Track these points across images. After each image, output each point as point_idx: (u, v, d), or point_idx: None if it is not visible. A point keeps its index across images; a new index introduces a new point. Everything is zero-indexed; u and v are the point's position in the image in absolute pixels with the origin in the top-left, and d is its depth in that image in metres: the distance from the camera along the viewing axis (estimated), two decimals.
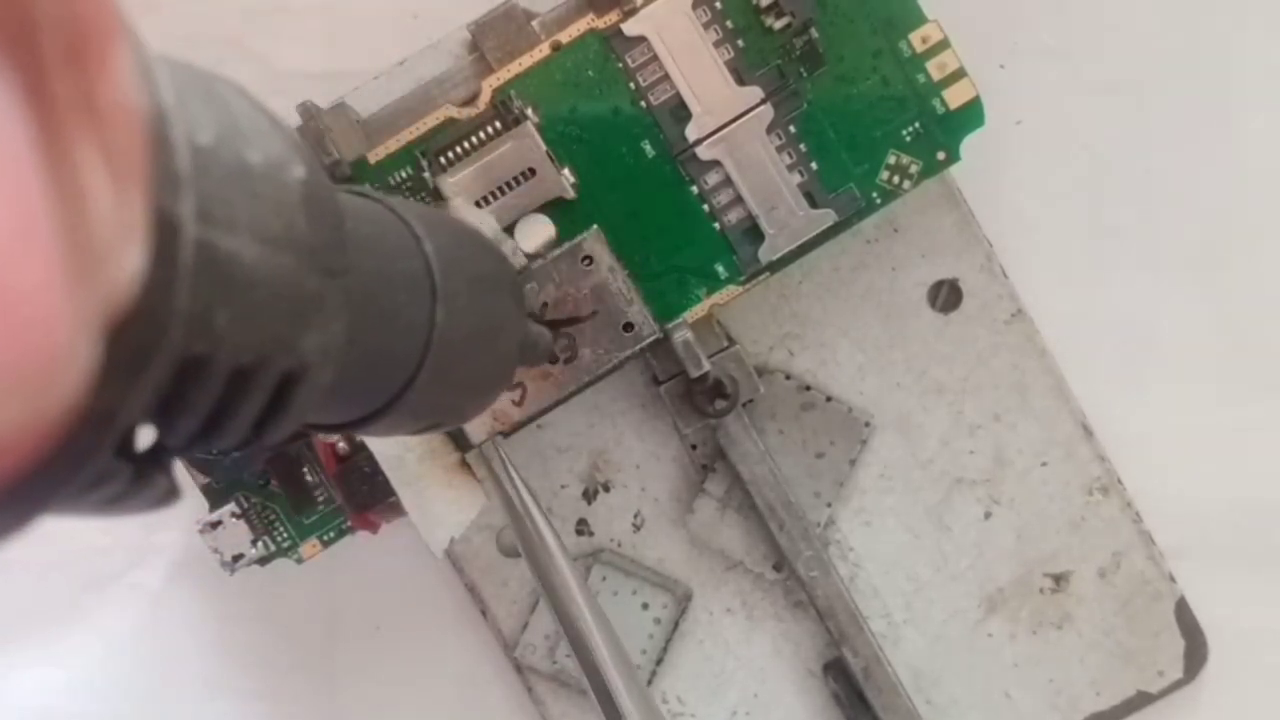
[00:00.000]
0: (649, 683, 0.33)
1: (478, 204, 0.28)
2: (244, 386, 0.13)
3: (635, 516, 0.33)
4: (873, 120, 0.29)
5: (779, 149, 0.29)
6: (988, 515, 0.32)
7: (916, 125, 0.29)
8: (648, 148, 0.29)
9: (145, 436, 0.13)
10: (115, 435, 0.11)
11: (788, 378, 0.32)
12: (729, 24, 0.28)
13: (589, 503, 0.33)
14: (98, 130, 0.09)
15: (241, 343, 0.12)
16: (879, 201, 0.29)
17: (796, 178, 0.29)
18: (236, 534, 0.30)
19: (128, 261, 0.10)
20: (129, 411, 0.11)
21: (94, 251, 0.09)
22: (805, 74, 0.28)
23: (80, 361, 0.09)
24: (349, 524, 0.30)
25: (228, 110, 0.13)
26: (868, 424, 0.32)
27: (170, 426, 0.13)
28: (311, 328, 0.14)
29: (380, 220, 0.18)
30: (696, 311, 0.29)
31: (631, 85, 0.28)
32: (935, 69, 0.28)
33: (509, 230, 0.29)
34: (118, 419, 0.11)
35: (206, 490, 0.30)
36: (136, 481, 0.12)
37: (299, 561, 0.31)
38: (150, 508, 0.13)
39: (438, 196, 0.28)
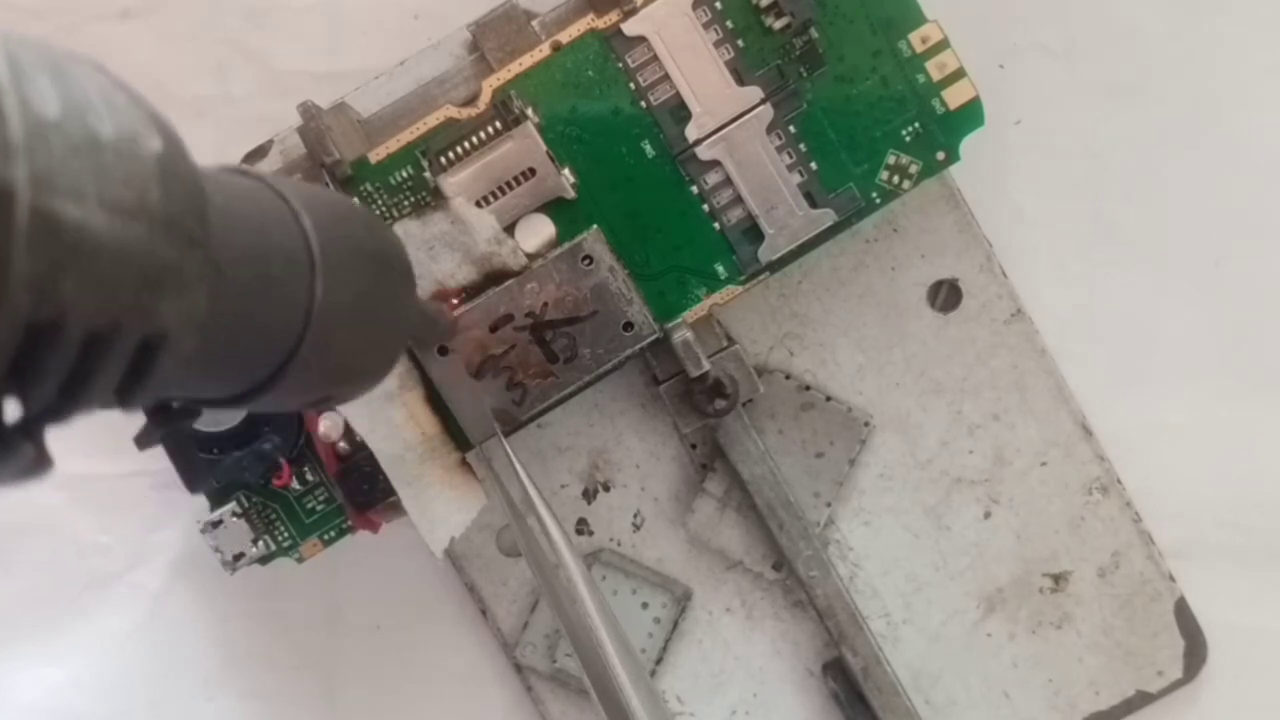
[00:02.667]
0: None
1: (478, 204, 0.28)
2: (99, 352, 0.13)
3: (635, 516, 0.33)
4: (872, 120, 0.29)
5: (779, 149, 0.29)
6: (987, 515, 0.32)
7: (916, 125, 0.29)
8: (648, 148, 0.29)
9: (10, 409, 0.13)
10: None
11: (787, 377, 0.32)
12: (729, 24, 0.28)
13: (589, 502, 0.33)
14: None
15: (92, 309, 0.13)
16: (879, 201, 0.29)
17: (796, 177, 0.29)
18: (237, 533, 0.30)
19: None
20: None
21: None
22: (805, 74, 0.28)
23: None
24: (350, 523, 0.30)
25: (78, 85, 0.13)
26: (867, 424, 0.32)
27: (26, 393, 0.13)
28: (168, 296, 0.14)
29: (255, 195, 0.18)
30: (696, 311, 0.29)
31: (631, 85, 0.28)
32: (935, 69, 0.28)
33: (509, 230, 0.29)
34: None
35: (207, 489, 0.30)
36: (1, 449, 0.13)
37: (299, 561, 0.31)
38: (18, 478, 0.14)
39: (438, 196, 0.28)
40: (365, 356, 0.21)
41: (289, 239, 0.18)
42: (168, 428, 0.18)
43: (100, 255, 0.12)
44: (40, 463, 0.14)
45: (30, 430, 0.13)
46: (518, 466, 0.28)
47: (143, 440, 0.18)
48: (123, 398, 0.14)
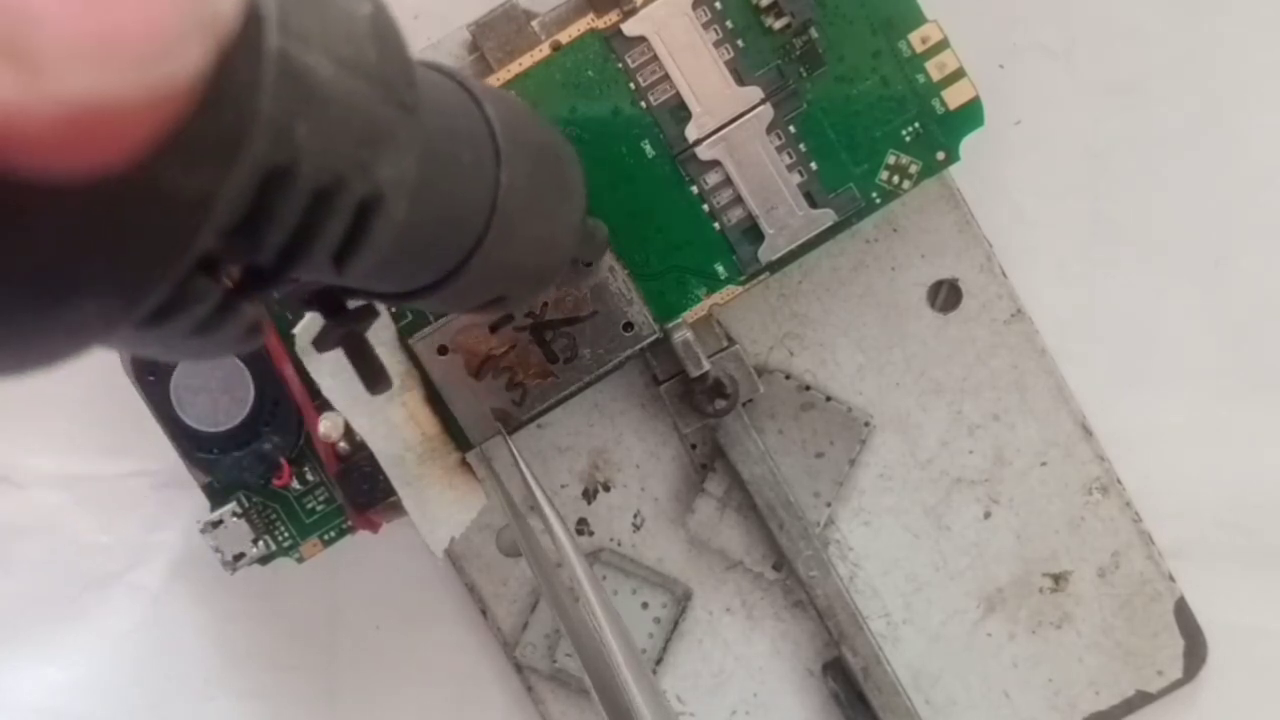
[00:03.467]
0: None
1: None
2: (325, 206, 0.13)
3: (635, 516, 0.33)
4: (872, 120, 0.29)
5: (779, 149, 0.29)
6: (987, 515, 0.32)
7: (916, 125, 0.29)
8: (648, 148, 0.29)
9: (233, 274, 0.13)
10: (212, 222, 0.11)
11: (787, 377, 0.32)
12: (729, 24, 0.28)
13: (589, 502, 0.33)
14: None
15: (321, 159, 0.13)
16: (879, 201, 0.29)
17: (796, 178, 0.29)
18: (237, 533, 0.30)
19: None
20: (223, 199, 0.11)
21: None
22: (805, 74, 0.28)
23: (192, 53, 0.10)
24: (350, 523, 0.30)
25: None
26: (867, 424, 0.32)
27: (258, 242, 0.13)
28: (385, 156, 0.14)
29: (441, 84, 0.18)
30: (696, 311, 0.29)
31: (631, 85, 0.28)
32: (935, 69, 0.28)
33: None
34: (213, 205, 0.11)
35: (207, 490, 0.30)
36: (224, 309, 0.13)
37: (299, 561, 0.31)
38: (238, 343, 0.14)
39: None
40: (542, 253, 0.21)
41: (476, 126, 0.18)
42: (348, 328, 0.18)
43: (329, 104, 0.12)
44: (258, 328, 0.14)
45: (250, 290, 0.13)
46: (522, 465, 0.28)
47: (321, 341, 0.18)
48: (340, 262, 0.14)
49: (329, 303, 0.18)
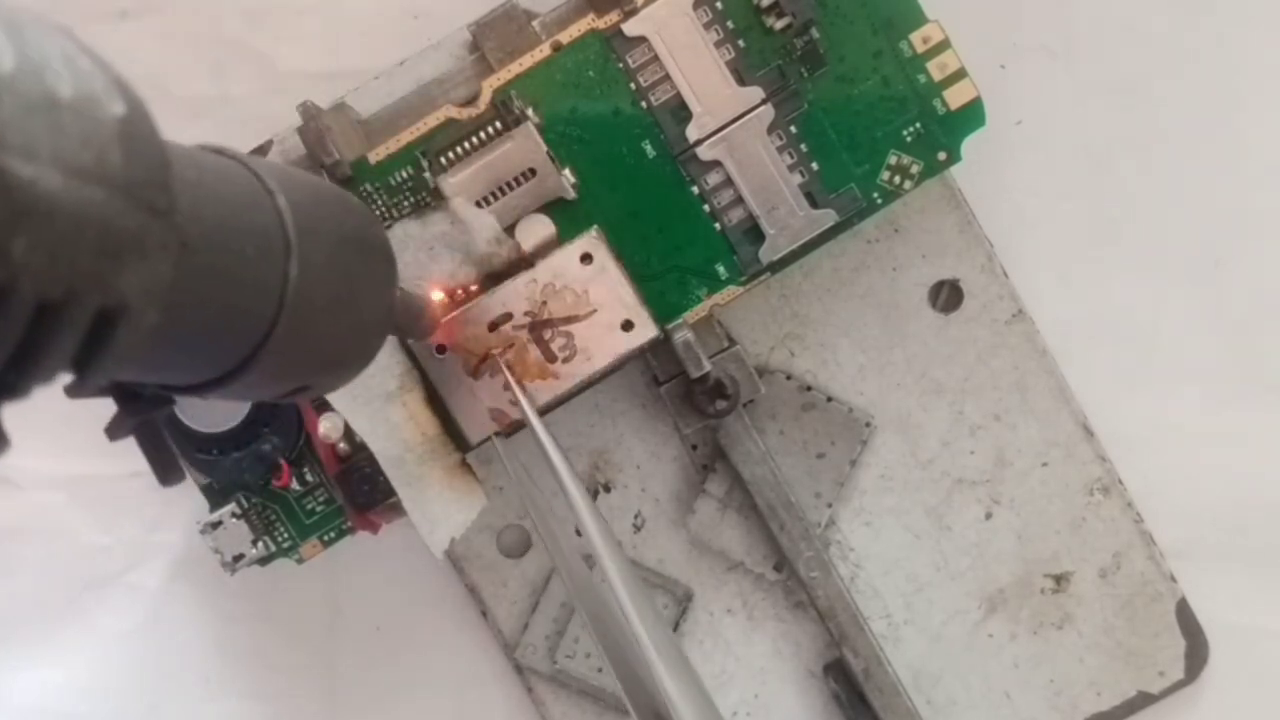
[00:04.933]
0: None
1: (478, 204, 0.28)
2: (53, 321, 0.13)
3: (636, 517, 0.33)
4: (874, 120, 0.29)
5: (780, 149, 0.29)
6: (988, 516, 0.32)
7: (917, 125, 0.29)
8: (648, 148, 0.29)
9: None
10: None
11: (788, 378, 0.32)
12: (730, 24, 0.28)
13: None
14: None
15: (46, 274, 0.12)
16: (880, 202, 0.29)
17: (797, 178, 0.29)
18: (237, 534, 0.30)
19: None
20: None
21: None
22: (806, 74, 0.28)
23: None
24: (349, 524, 0.30)
25: (37, 44, 0.13)
26: (868, 424, 0.32)
27: None
28: (128, 265, 0.13)
29: (229, 174, 0.18)
30: (697, 312, 0.29)
31: (632, 85, 0.28)
32: (936, 69, 0.28)
33: (509, 230, 0.29)
34: None
35: (207, 490, 0.30)
36: None
37: (299, 561, 0.31)
38: None
39: (438, 196, 0.28)
40: (343, 345, 0.20)
41: (263, 217, 0.17)
42: (140, 417, 0.18)
43: (55, 218, 0.12)
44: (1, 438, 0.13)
45: None
46: (553, 454, 0.26)
47: (113, 430, 0.18)
48: (80, 369, 0.14)
49: (121, 392, 0.18)
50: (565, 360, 0.28)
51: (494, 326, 0.28)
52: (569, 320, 0.28)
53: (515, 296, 0.28)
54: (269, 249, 0.17)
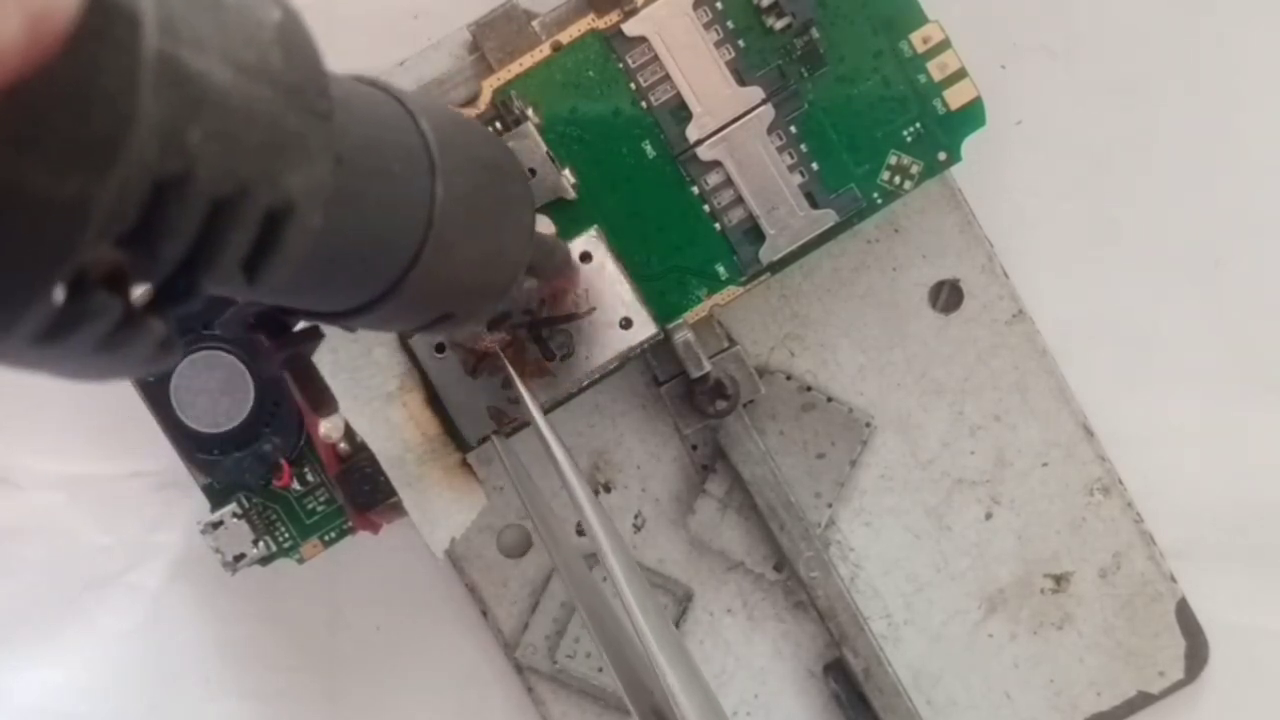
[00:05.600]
0: None
1: None
2: (228, 215, 0.13)
3: (636, 517, 0.33)
4: (874, 121, 0.29)
5: (780, 149, 0.29)
6: (988, 516, 0.32)
7: (917, 126, 0.29)
8: (648, 148, 0.29)
9: (138, 292, 0.13)
10: (93, 231, 0.11)
11: (788, 378, 0.32)
12: (730, 24, 0.28)
13: None
14: None
15: (219, 167, 0.12)
16: (880, 202, 0.29)
17: (797, 178, 0.29)
18: (238, 534, 0.30)
19: None
20: (102, 207, 0.11)
21: None
22: (806, 74, 0.28)
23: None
24: (350, 524, 0.30)
25: None
26: (868, 425, 0.32)
27: (155, 253, 0.12)
28: (294, 165, 0.14)
29: (372, 96, 0.18)
30: (697, 312, 0.29)
31: (632, 86, 0.28)
32: (936, 69, 0.28)
33: None
34: (89, 213, 0.11)
35: (208, 490, 0.30)
36: (129, 325, 0.12)
37: (300, 561, 0.31)
38: (147, 361, 0.13)
39: None
40: (487, 269, 0.20)
41: (408, 138, 0.18)
42: (289, 350, 0.18)
43: (227, 110, 0.12)
44: (170, 345, 0.13)
45: (159, 306, 0.13)
46: (557, 450, 0.26)
47: (263, 364, 0.18)
48: (251, 271, 0.14)
49: (272, 326, 0.18)
50: (564, 358, 0.28)
51: (493, 325, 0.28)
52: (568, 319, 0.28)
53: (514, 295, 0.28)
54: (415, 168, 0.18)
